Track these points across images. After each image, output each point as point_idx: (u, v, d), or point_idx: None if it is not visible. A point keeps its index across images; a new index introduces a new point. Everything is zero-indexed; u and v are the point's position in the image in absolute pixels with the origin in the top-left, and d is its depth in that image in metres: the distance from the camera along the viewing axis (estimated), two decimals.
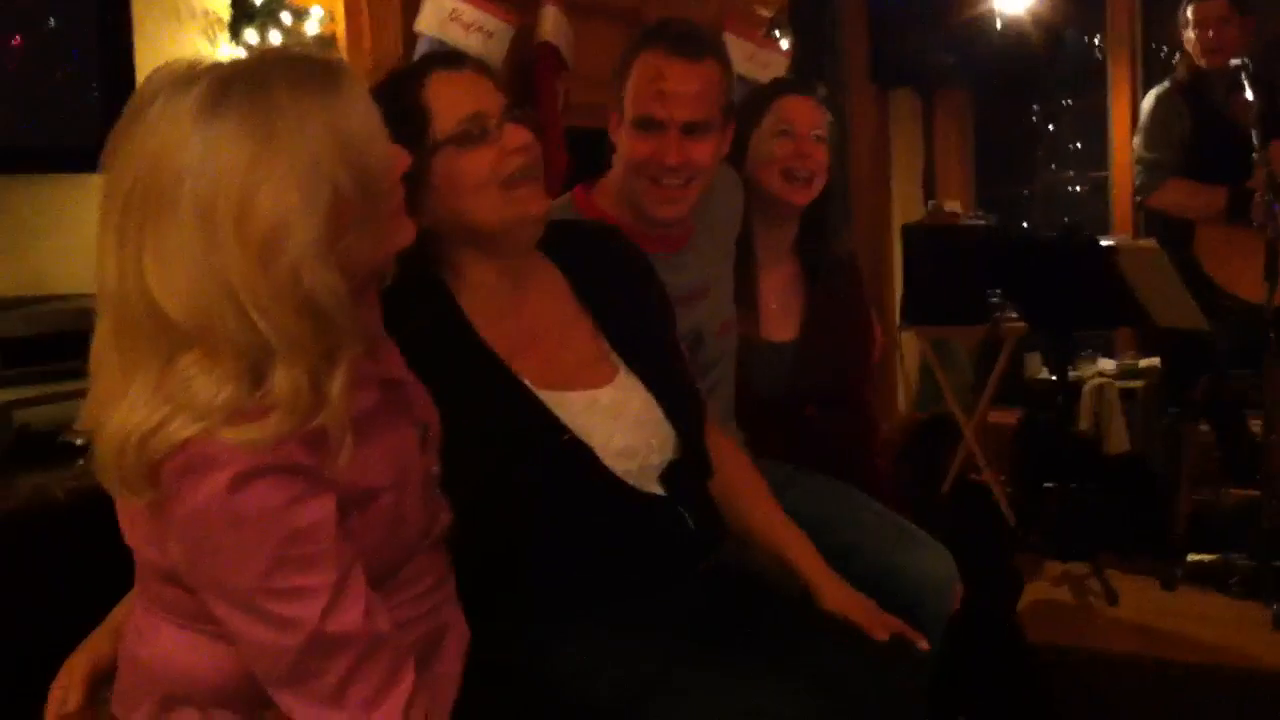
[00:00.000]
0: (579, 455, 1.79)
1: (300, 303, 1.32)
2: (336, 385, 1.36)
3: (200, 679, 1.49)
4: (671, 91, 2.24)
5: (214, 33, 3.06)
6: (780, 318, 2.66)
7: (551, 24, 3.24)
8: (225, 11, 3.04)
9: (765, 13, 4.05)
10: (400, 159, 1.46)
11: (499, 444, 1.75)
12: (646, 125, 2.26)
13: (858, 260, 2.80)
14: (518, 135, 1.80)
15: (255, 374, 1.33)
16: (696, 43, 2.28)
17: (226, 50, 3.06)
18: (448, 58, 1.89)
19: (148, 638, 1.53)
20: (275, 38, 2.98)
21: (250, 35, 3.02)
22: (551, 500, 1.77)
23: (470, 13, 3.00)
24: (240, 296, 1.30)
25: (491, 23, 3.03)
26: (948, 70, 5.37)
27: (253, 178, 1.30)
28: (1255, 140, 3.91)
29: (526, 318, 1.87)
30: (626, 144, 2.28)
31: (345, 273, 1.36)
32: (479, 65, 1.87)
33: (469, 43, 2.99)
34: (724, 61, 2.34)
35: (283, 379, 1.32)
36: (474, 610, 1.69)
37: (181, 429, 1.31)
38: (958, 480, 4.83)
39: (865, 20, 5.51)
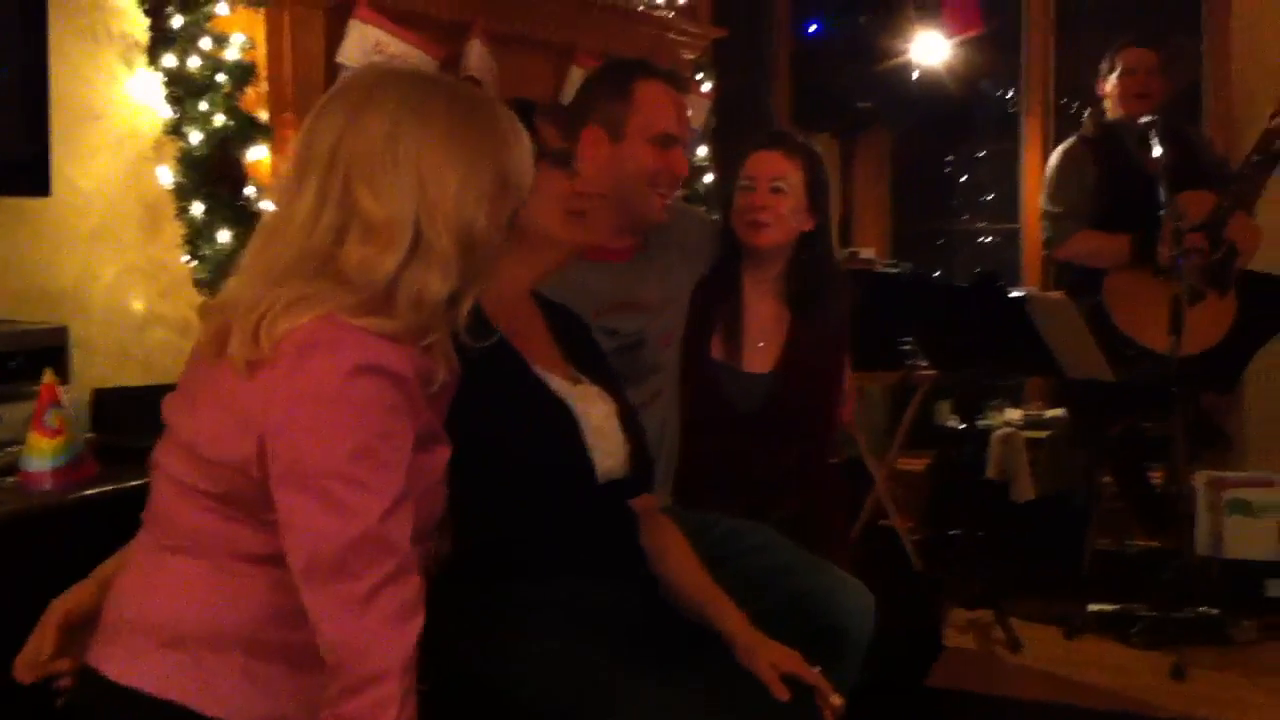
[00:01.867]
0: (563, 419, 2.02)
1: (471, 239, 1.61)
2: (461, 311, 1.63)
3: (210, 620, 1.56)
4: (681, 114, 2.63)
5: (131, 56, 3.01)
6: (759, 351, 2.83)
7: (476, 58, 3.23)
8: (143, 35, 2.99)
9: (689, 56, 4.07)
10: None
11: (491, 404, 1.92)
12: (666, 142, 2.58)
13: (846, 306, 2.91)
14: (584, 183, 2.12)
15: (408, 277, 1.57)
16: (680, 78, 2.66)
17: (144, 74, 3.01)
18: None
19: (156, 579, 1.61)
20: (194, 63, 2.94)
21: (169, 59, 2.97)
22: (529, 462, 1.96)
23: (394, 45, 2.98)
24: (435, 209, 1.58)
25: (415, 55, 3.03)
26: (867, 117, 5.44)
27: (454, 151, 1.61)
28: (1163, 194, 4.00)
29: (522, 319, 2.13)
30: (635, 158, 2.57)
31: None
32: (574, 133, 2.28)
33: None
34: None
35: (432, 278, 1.58)
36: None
37: (318, 305, 1.52)
38: (868, 525, 4.86)
39: (787, 65, 5.57)
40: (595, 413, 2.08)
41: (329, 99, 1.67)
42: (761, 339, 2.84)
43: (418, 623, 1.52)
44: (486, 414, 1.91)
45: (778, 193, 2.78)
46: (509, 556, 1.96)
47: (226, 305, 1.59)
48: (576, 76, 3.52)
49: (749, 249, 2.82)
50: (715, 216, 3.03)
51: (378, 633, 1.48)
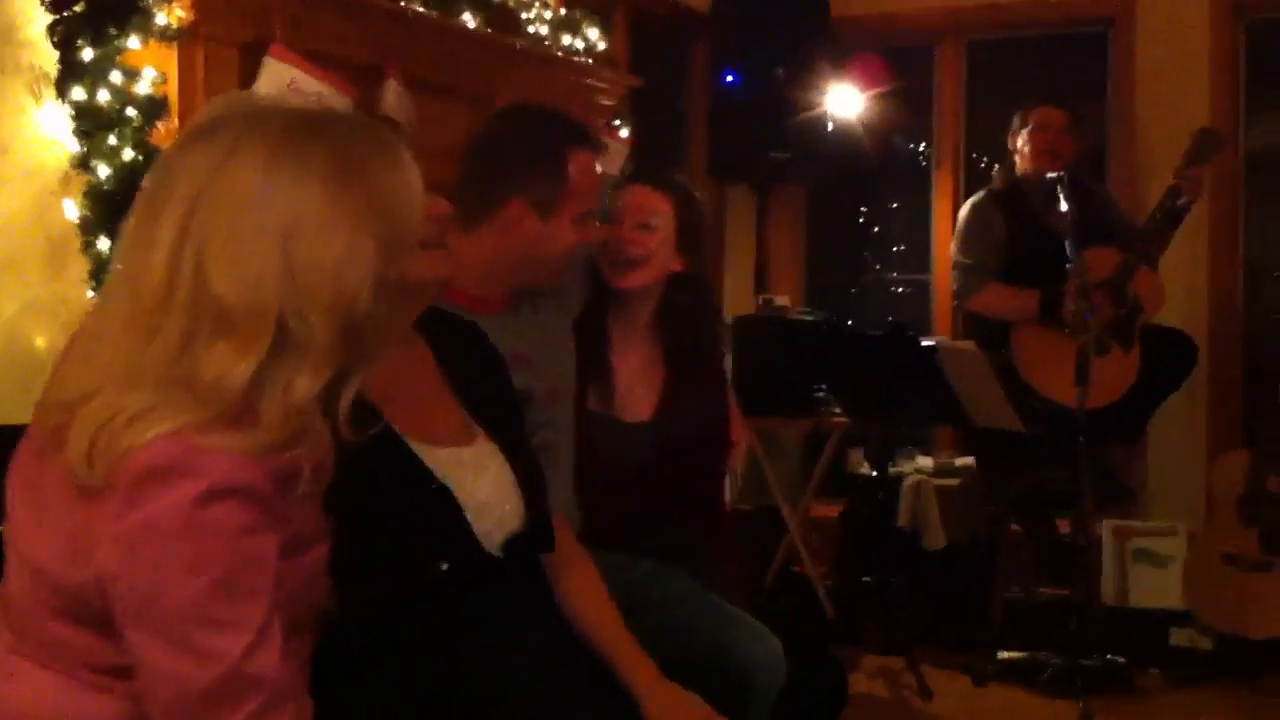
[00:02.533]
0: (443, 503, 1.82)
1: (351, 321, 1.40)
2: (344, 401, 1.44)
3: None
4: (601, 185, 2.50)
5: (39, 88, 2.96)
6: (633, 398, 2.69)
7: (393, 98, 3.22)
8: (52, 67, 2.94)
9: (607, 102, 4.09)
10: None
11: (364, 487, 1.71)
12: (588, 217, 2.45)
13: (723, 350, 2.85)
14: (438, 204, 1.82)
15: (272, 378, 1.37)
16: (601, 140, 2.58)
17: (52, 108, 2.96)
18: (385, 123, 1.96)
19: (5, 690, 1.44)
20: (104, 96, 2.90)
21: (78, 92, 2.92)
22: (409, 546, 1.78)
23: (310, 83, 2.96)
24: (303, 295, 1.37)
25: (330, 93, 3.00)
26: (782, 167, 5.49)
27: (333, 211, 1.40)
28: (1069, 249, 4.08)
29: (398, 376, 1.87)
30: (561, 238, 2.42)
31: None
32: (406, 133, 1.95)
33: None
34: None
35: (302, 378, 1.38)
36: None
37: (168, 418, 1.33)
38: (781, 571, 4.86)
39: (704, 115, 5.62)
40: (483, 482, 1.88)
41: (192, 137, 1.44)
42: (636, 386, 2.70)
43: None
44: (358, 500, 1.68)
45: (645, 229, 2.64)
46: (385, 638, 1.79)
47: (65, 403, 1.38)
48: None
49: (614, 291, 2.67)
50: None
51: None
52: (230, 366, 1.35)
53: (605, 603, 2.10)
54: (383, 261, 1.43)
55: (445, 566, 1.79)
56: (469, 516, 1.83)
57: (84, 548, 1.36)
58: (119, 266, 1.47)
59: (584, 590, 2.09)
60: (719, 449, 2.83)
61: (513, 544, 1.89)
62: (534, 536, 1.94)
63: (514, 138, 2.48)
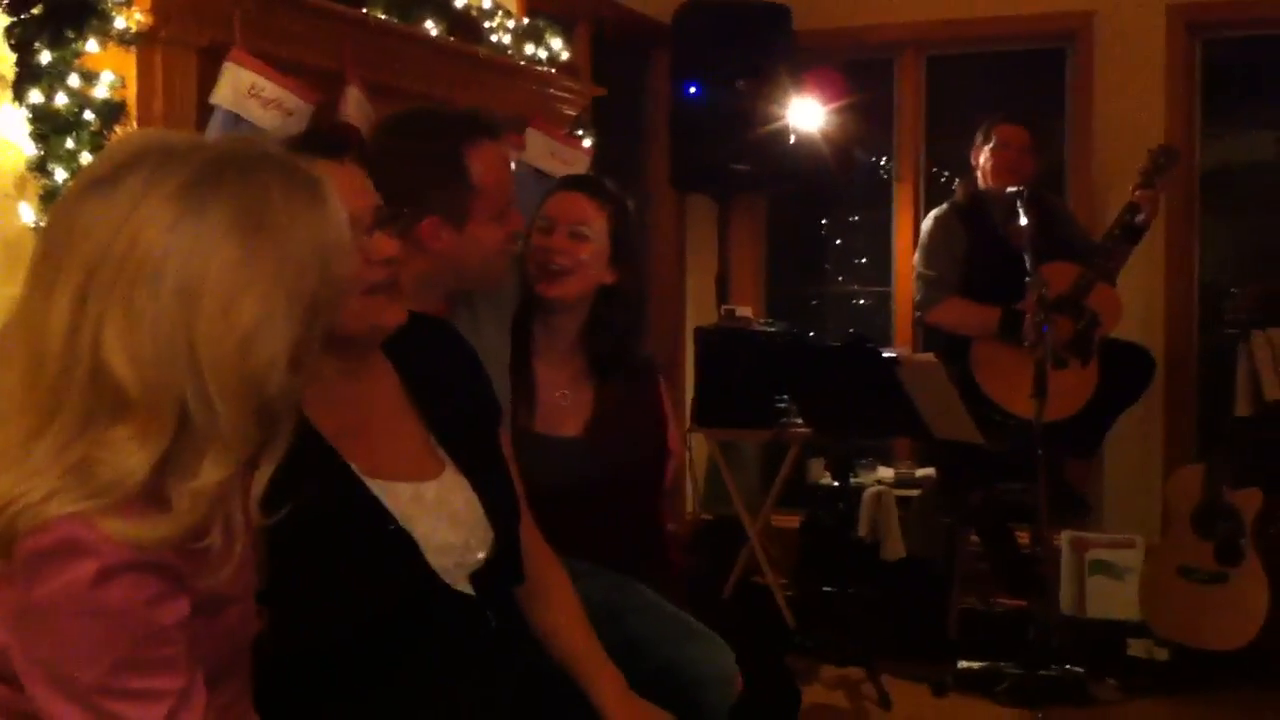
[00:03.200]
0: (402, 546, 1.76)
1: (261, 401, 1.31)
2: (260, 482, 1.36)
3: None
4: (510, 170, 2.37)
5: None
6: (561, 413, 2.62)
7: (354, 105, 3.19)
8: (9, 70, 2.91)
9: (570, 111, 4.09)
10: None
11: (322, 529, 1.69)
12: (507, 211, 2.31)
13: (655, 361, 2.77)
14: (385, 246, 1.77)
15: (176, 465, 1.29)
16: (500, 123, 2.39)
17: (8, 110, 2.93)
18: (329, 145, 1.79)
19: None
20: (61, 99, 2.87)
21: (35, 95, 2.89)
22: (367, 589, 1.73)
23: (270, 89, 2.93)
24: (206, 377, 1.27)
25: (291, 100, 2.98)
26: (744, 178, 5.51)
27: (242, 274, 1.29)
28: (1028, 263, 4.12)
29: (357, 407, 1.83)
30: (482, 240, 2.27)
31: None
32: (358, 156, 1.81)
33: (266, 119, 2.92)
34: None
35: (208, 465, 1.29)
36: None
37: (69, 503, 1.26)
38: (741, 581, 4.87)
39: (665, 126, 5.63)
40: (444, 520, 1.82)
41: (94, 184, 1.31)
42: (563, 402, 2.61)
43: None
44: (308, 548, 1.66)
45: (577, 238, 2.55)
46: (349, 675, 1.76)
47: None
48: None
49: (540, 299, 2.56)
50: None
51: None
52: (129, 455, 1.26)
53: (577, 619, 2.09)
54: (302, 326, 1.33)
55: (392, 602, 1.74)
56: (428, 558, 1.78)
57: None
58: (14, 327, 1.33)
59: (556, 608, 2.08)
60: (656, 463, 2.75)
61: (480, 577, 1.85)
62: (502, 568, 1.91)
63: (405, 152, 2.28)
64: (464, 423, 1.95)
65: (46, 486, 1.26)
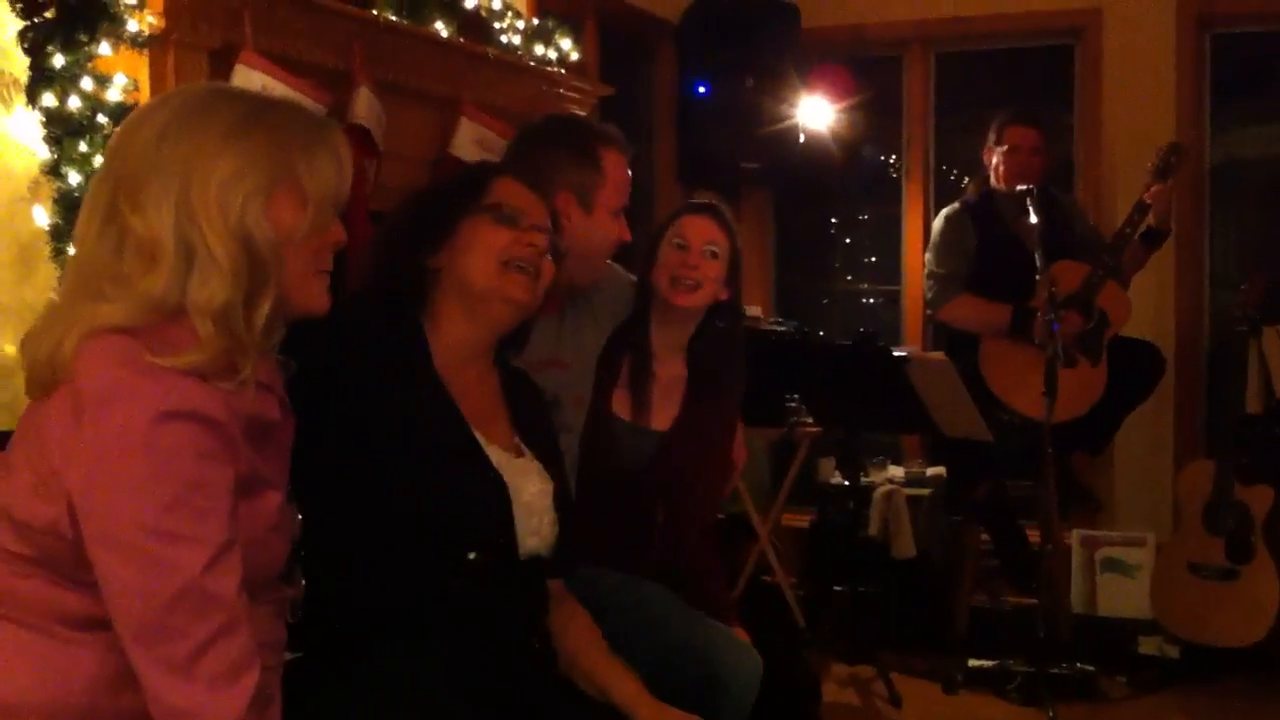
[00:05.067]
0: (497, 492, 1.98)
1: (237, 227, 1.54)
2: (257, 324, 1.55)
3: (43, 693, 1.47)
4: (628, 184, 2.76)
5: (9, 94, 2.93)
6: (654, 407, 2.82)
7: (364, 105, 3.20)
8: (22, 74, 2.92)
9: (579, 111, 4.09)
10: (340, 233, 1.69)
11: (429, 462, 1.93)
12: (621, 213, 2.71)
13: (743, 378, 2.93)
14: (536, 238, 2.10)
15: (192, 296, 1.52)
16: (629, 145, 2.79)
17: (22, 114, 2.94)
18: (528, 182, 2.23)
19: None
20: (74, 103, 2.88)
21: (48, 99, 2.90)
22: (457, 528, 1.92)
23: (280, 90, 2.94)
24: (198, 218, 1.53)
25: (302, 101, 2.98)
26: (752, 176, 5.51)
27: (234, 132, 1.57)
28: (1039, 261, 4.11)
29: (471, 381, 2.09)
30: (603, 230, 2.68)
31: (279, 255, 1.59)
32: (544, 196, 2.24)
33: None
34: None
35: (217, 291, 1.51)
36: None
37: (116, 313, 1.48)
38: (751, 580, 4.87)
39: (672, 124, 5.64)
40: (530, 490, 2.04)
41: (130, 115, 1.68)
42: (662, 396, 2.83)
43: (249, 681, 1.46)
44: (412, 472, 1.90)
45: (713, 257, 2.80)
46: (393, 623, 1.89)
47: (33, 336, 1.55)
48: (465, 129, 3.50)
49: (670, 307, 2.81)
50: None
51: (205, 697, 1.42)
52: (145, 280, 1.51)
53: (589, 629, 2.16)
54: (274, 193, 1.58)
55: (473, 556, 1.91)
56: (515, 512, 1.98)
57: (57, 475, 1.45)
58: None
59: (569, 621, 2.14)
60: (723, 470, 2.96)
61: (536, 561, 2.01)
62: (558, 558, 2.08)
63: (553, 138, 2.72)
64: (541, 436, 2.19)
65: (85, 314, 1.49)
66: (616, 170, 2.70)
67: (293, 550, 1.70)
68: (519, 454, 2.09)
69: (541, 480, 2.08)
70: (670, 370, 2.85)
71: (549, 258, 2.14)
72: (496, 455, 2.02)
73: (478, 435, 2.02)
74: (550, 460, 2.15)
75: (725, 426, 2.92)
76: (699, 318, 2.84)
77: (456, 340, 2.08)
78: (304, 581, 1.74)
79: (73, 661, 1.49)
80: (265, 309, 1.56)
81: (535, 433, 2.16)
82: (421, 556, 1.89)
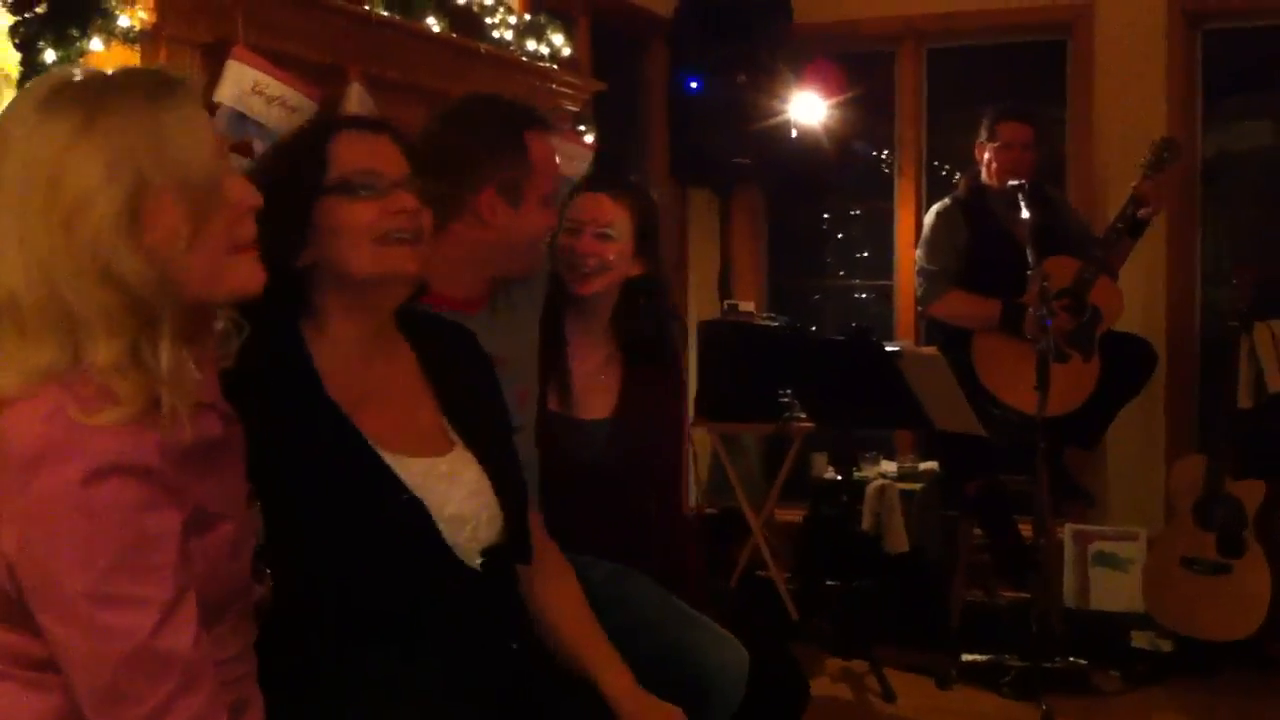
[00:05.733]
0: (415, 515, 1.80)
1: (101, 274, 1.37)
2: (164, 359, 1.39)
3: None
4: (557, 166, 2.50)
5: (1, 90, 2.92)
6: (591, 396, 2.72)
7: (356, 100, 3.20)
8: (14, 69, 2.91)
9: (572, 107, 4.09)
10: (248, 194, 1.51)
11: (333, 496, 1.77)
12: (551, 199, 2.44)
13: (678, 346, 2.86)
14: (404, 200, 1.86)
15: (71, 348, 1.37)
16: (552, 120, 2.59)
17: None
18: (368, 121, 2.00)
19: None
20: None
21: None
22: (377, 558, 1.78)
23: (274, 86, 2.93)
24: (48, 266, 1.36)
25: (294, 97, 2.98)
26: (744, 172, 5.51)
27: (66, 156, 1.37)
28: (1030, 256, 4.12)
29: (374, 380, 1.90)
30: (532, 222, 2.40)
31: (167, 277, 1.41)
32: (396, 132, 1.95)
33: (270, 116, 2.92)
34: None
35: (104, 349, 1.37)
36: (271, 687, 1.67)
37: (11, 384, 1.36)
38: (744, 575, 4.87)
39: (664, 119, 5.63)
40: (458, 495, 1.86)
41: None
42: (593, 385, 2.73)
43: None
44: (327, 506, 1.76)
45: (603, 239, 2.66)
46: (371, 630, 1.80)
47: None
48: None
49: (572, 296, 2.70)
50: None
51: None
52: (19, 345, 1.38)
53: (583, 611, 2.10)
54: (127, 207, 1.38)
55: (479, 563, 1.82)
56: (441, 529, 1.82)
57: None
58: None
59: (562, 599, 2.08)
60: (678, 445, 2.88)
61: (490, 555, 1.88)
62: (512, 548, 1.93)
63: (473, 128, 2.45)
64: (477, 410, 1.99)
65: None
66: (543, 154, 2.43)
67: (256, 552, 1.65)
68: (446, 449, 1.91)
69: (473, 471, 1.90)
70: (597, 356, 2.75)
71: (425, 209, 1.90)
72: (411, 469, 1.84)
73: (385, 456, 1.83)
74: (490, 439, 1.96)
75: (671, 402, 2.83)
76: (612, 297, 2.72)
77: (350, 337, 1.88)
78: (270, 574, 1.70)
79: (32, 705, 1.42)
80: (167, 342, 1.41)
81: (467, 410, 1.96)
82: (361, 576, 1.78)
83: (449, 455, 1.90)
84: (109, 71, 1.48)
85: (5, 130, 1.41)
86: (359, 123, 1.98)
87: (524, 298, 2.59)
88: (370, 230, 1.82)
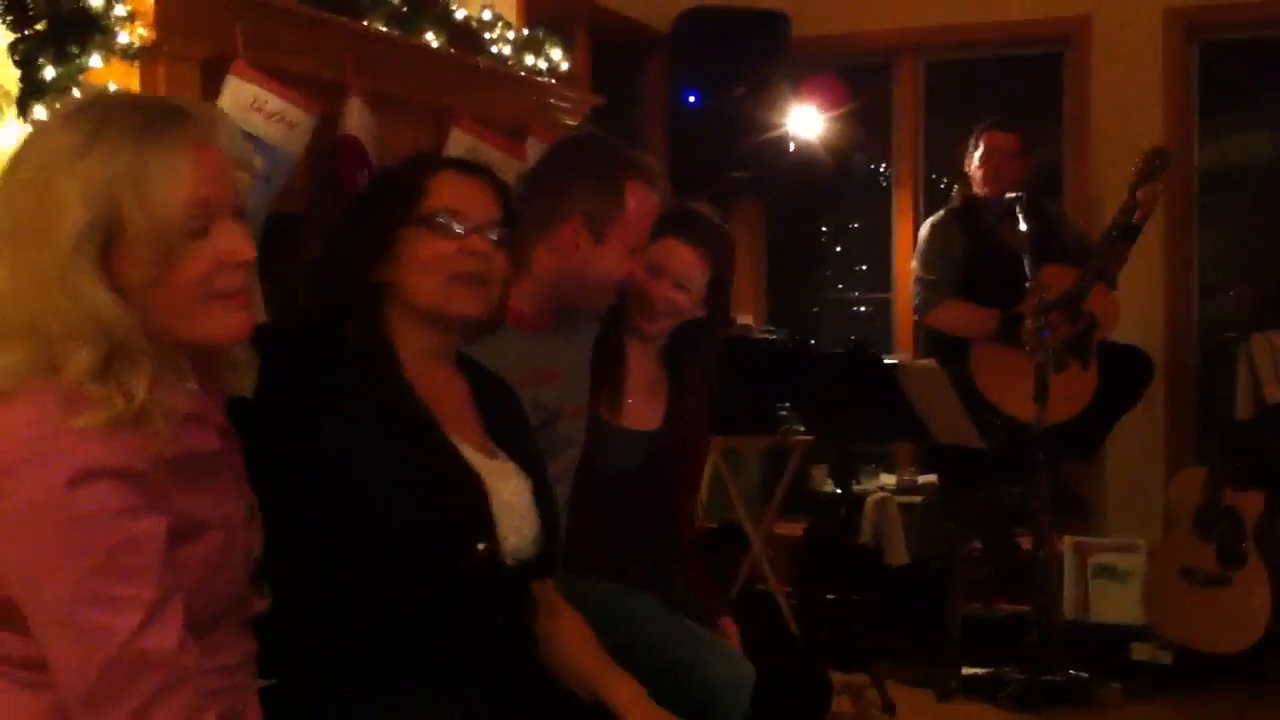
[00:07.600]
0: (475, 491, 1.91)
1: (65, 289, 1.41)
2: (141, 383, 1.42)
3: None
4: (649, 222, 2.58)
5: (0, 107, 2.93)
6: (641, 408, 2.83)
7: (356, 116, 3.21)
8: (13, 86, 2.91)
9: (570, 120, 4.10)
10: (241, 248, 1.53)
11: (398, 466, 1.87)
12: (636, 252, 2.54)
13: (715, 369, 2.96)
14: (480, 244, 1.96)
15: (45, 352, 1.41)
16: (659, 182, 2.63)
17: (13, 126, 2.94)
18: (469, 164, 2.12)
19: None
20: None
21: (39, 111, 2.90)
22: (440, 523, 1.87)
23: (273, 102, 2.94)
24: (25, 271, 1.42)
25: (294, 113, 2.99)
26: (743, 186, 5.52)
27: (58, 170, 1.43)
28: (1027, 267, 4.13)
29: (436, 384, 2.01)
30: (612, 265, 2.50)
31: (135, 307, 1.45)
32: (494, 179, 2.06)
33: (270, 132, 2.93)
34: None
35: (73, 359, 1.40)
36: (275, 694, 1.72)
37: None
38: (744, 588, 4.87)
39: (663, 133, 5.64)
40: (506, 488, 1.96)
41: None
42: (643, 397, 2.84)
43: None
44: (385, 473, 1.85)
45: (680, 289, 2.75)
46: (383, 625, 1.86)
47: None
48: (457, 139, 3.50)
49: (635, 327, 2.80)
50: None
51: None
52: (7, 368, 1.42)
53: (582, 630, 2.12)
54: (97, 216, 1.42)
55: (481, 547, 1.87)
56: (493, 508, 1.91)
57: None
58: None
59: (559, 625, 2.10)
60: (700, 468, 3.05)
61: (523, 562, 1.96)
62: (543, 555, 2.02)
63: (578, 160, 2.60)
64: (518, 439, 2.11)
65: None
66: (639, 205, 2.52)
67: (256, 566, 1.67)
68: (492, 456, 2.01)
69: (518, 479, 2.00)
70: (648, 371, 2.86)
71: (501, 255, 2.01)
72: (471, 455, 1.95)
73: (451, 436, 1.95)
74: (527, 462, 2.07)
75: (703, 423, 2.97)
76: (670, 330, 2.83)
77: (418, 349, 1.99)
78: (270, 593, 1.71)
79: (25, 704, 1.45)
80: (143, 367, 1.45)
81: (509, 437, 2.09)
82: (407, 557, 1.85)
83: (497, 460, 2.01)
84: (128, 96, 1.56)
85: (37, 129, 1.55)
86: (460, 164, 2.11)
87: (584, 318, 2.69)
88: (444, 265, 1.93)
